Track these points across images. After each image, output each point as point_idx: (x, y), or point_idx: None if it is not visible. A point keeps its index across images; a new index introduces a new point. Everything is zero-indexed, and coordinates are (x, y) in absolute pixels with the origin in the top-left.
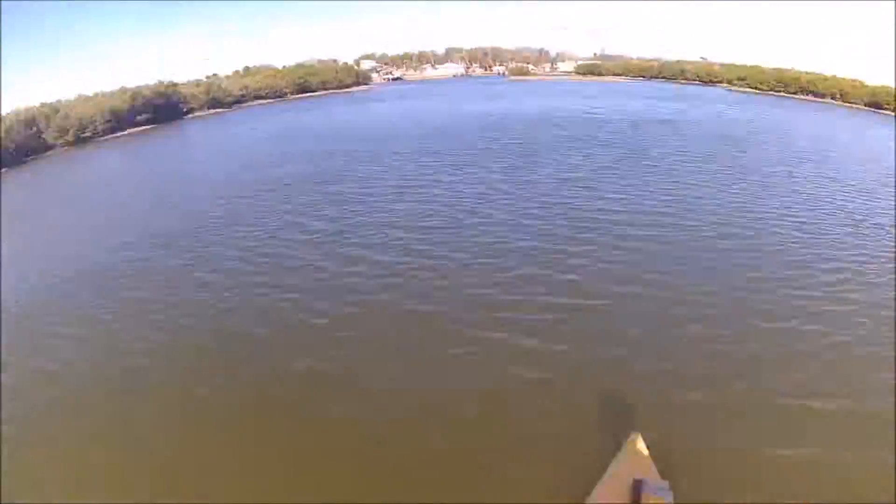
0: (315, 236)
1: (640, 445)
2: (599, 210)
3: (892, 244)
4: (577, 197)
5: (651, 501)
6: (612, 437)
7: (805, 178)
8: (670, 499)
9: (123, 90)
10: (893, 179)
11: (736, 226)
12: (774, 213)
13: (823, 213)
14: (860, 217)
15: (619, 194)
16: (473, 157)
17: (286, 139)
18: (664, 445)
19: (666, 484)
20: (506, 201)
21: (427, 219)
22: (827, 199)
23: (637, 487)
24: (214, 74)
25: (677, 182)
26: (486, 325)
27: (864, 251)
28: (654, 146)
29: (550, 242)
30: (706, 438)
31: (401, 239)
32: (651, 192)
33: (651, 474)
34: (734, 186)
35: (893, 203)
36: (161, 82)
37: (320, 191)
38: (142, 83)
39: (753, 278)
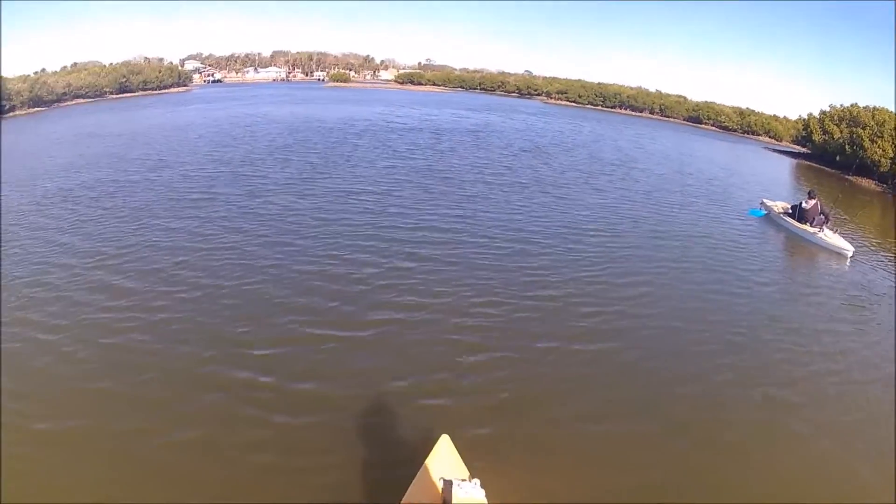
0: None
1: (449, 446)
2: (387, 227)
3: None
4: (362, 211)
5: (462, 500)
6: (423, 440)
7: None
8: (481, 496)
9: None
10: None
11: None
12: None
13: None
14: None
15: (404, 209)
16: (240, 174)
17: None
18: (472, 446)
19: (477, 482)
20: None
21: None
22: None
23: (448, 487)
24: (43, 69)
25: (473, 196)
26: None
27: None
28: (452, 157)
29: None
30: (512, 438)
31: None
32: (442, 207)
33: (461, 473)
34: (520, 196)
35: None
36: None
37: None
38: None
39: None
